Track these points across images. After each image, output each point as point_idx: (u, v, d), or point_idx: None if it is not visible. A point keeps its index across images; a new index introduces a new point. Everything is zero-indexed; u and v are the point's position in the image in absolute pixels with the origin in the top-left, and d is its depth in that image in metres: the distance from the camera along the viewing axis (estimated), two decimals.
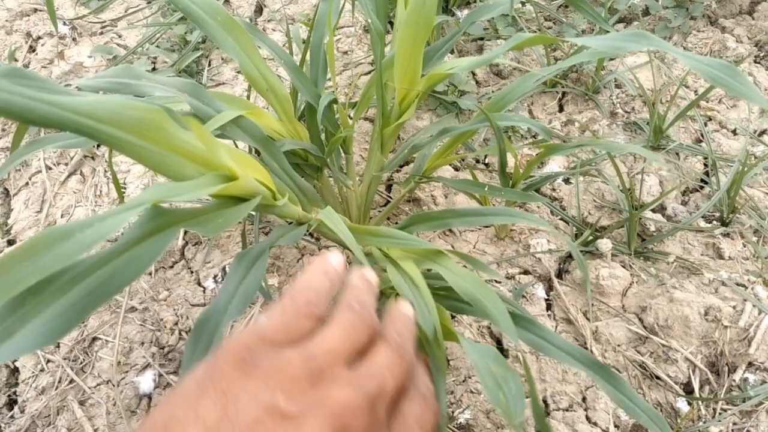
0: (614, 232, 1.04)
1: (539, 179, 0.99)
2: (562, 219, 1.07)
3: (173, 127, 0.59)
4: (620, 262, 1.01)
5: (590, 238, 1.02)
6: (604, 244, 1.00)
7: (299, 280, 0.44)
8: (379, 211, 1.11)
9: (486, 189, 0.89)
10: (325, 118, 0.93)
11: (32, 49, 1.42)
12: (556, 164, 1.14)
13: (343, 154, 0.99)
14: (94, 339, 0.98)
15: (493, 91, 1.26)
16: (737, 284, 0.93)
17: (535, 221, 0.72)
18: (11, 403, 0.93)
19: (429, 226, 0.76)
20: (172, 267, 1.07)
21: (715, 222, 1.05)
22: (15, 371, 0.96)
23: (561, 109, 1.25)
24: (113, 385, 0.93)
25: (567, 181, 1.13)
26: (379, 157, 0.90)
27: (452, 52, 1.32)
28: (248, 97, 1.08)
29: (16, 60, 1.38)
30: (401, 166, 1.17)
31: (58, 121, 0.49)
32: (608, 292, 0.96)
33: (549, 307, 0.98)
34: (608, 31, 1.18)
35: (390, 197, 1.13)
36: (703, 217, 1.05)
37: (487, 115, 0.79)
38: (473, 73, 1.29)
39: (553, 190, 1.12)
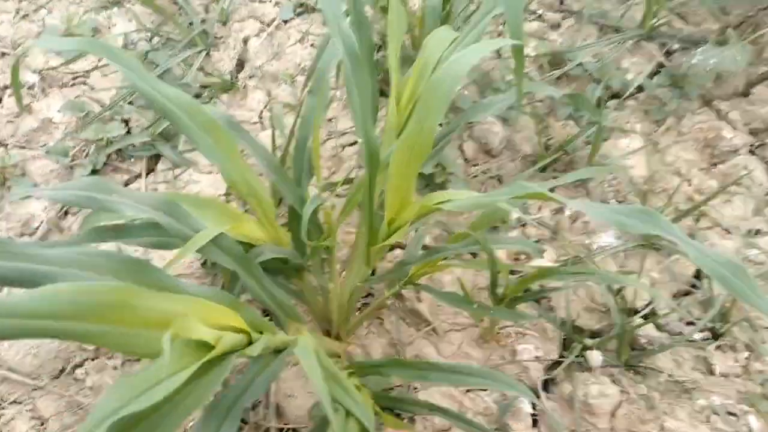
0: (607, 343, 1.00)
1: (531, 293, 0.95)
2: (550, 321, 1.02)
3: (142, 298, 0.54)
4: (610, 375, 0.97)
5: (580, 347, 0.98)
6: (595, 358, 0.96)
7: None
8: (363, 307, 1.06)
9: (475, 307, 0.84)
10: (309, 222, 0.88)
11: None
12: (545, 257, 1.10)
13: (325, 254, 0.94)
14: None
15: (483, 171, 1.21)
16: (729, 413, 0.90)
17: (509, 386, 0.68)
18: None
19: (404, 374, 0.71)
20: None
21: (706, 332, 1.01)
22: None
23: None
24: None
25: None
26: (363, 269, 0.85)
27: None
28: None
29: None
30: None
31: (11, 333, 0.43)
32: (597, 411, 0.92)
33: (535, 423, 0.94)
34: (599, 123, 1.15)
35: (372, 292, 1.08)
36: (689, 323, 1.02)
37: (480, 241, 0.75)
38: (462, 150, 1.25)
39: (541, 287, 1.08)
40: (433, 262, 0.89)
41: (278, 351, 0.76)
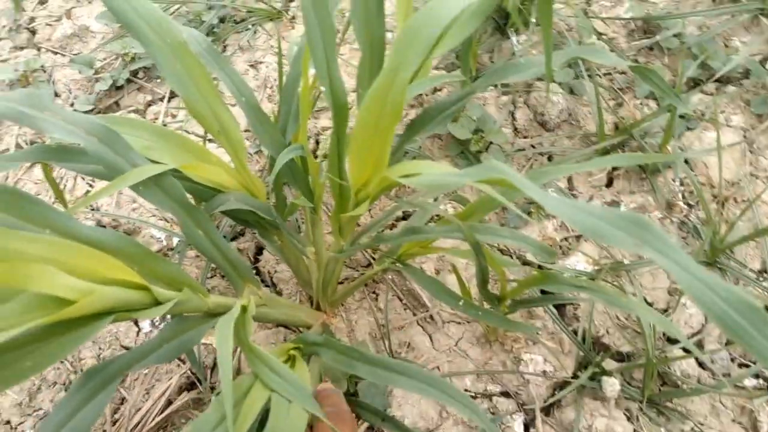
0: (630, 370, 0.84)
1: (545, 297, 0.79)
2: (567, 335, 0.86)
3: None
4: (626, 410, 0.80)
5: (596, 369, 0.81)
6: (611, 386, 0.79)
7: None
8: (358, 274, 0.93)
9: (461, 304, 0.70)
10: (290, 175, 0.76)
11: (42, 2, 1.29)
12: (581, 256, 0.93)
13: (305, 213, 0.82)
14: None
15: (533, 146, 1.04)
16: None
17: (481, 422, 0.53)
18: None
19: (364, 370, 0.57)
20: None
21: (761, 381, 0.82)
22: None
23: (610, 183, 1.03)
24: (10, 427, 0.81)
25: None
26: (336, 239, 0.72)
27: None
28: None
29: (23, 10, 1.26)
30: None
31: None
32: None
33: None
34: (675, 108, 0.95)
35: (374, 258, 0.95)
36: (742, 365, 0.83)
37: (462, 227, 0.60)
38: (513, 117, 1.08)
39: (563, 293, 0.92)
40: (423, 243, 0.75)
41: (213, 315, 0.66)
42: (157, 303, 0.56)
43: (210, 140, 1.04)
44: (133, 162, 0.63)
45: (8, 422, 0.81)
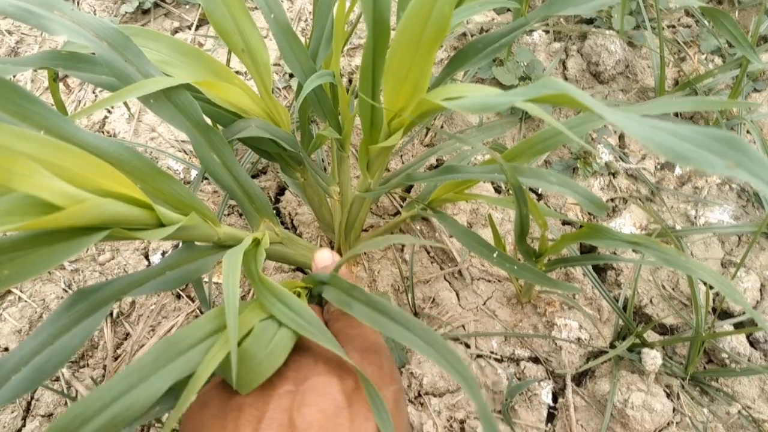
0: (673, 344, 0.77)
1: (586, 257, 0.72)
2: (609, 300, 0.79)
3: None
4: (666, 386, 0.73)
5: (636, 341, 0.75)
6: (652, 359, 0.72)
7: None
8: (384, 222, 0.87)
9: (495, 256, 0.63)
10: (317, 105, 0.69)
11: None
12: (628, 219, 0.86)
13: (333, 150, 0.75)
14: (8, 291, 0.83)
15: None
16: None
17: (472, 395, 0.46)
18: None
19: (368, 316, 0.51)
20: None
21: None
22: None
23: None
24: None
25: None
26: (364, 177, 0.65)
27: (548, 32, 1.02)
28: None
29: None
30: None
31: None
32: (633, 426, 0.70)
33: (551, 418, 0.73)
34: (747, 61, 0.85)
35: (401, 207, 0.88)
36: None
37: (505, 167, 0.53)
38: (564, 66, 0.99)
39: (613, 252, 0.84)
40: (458, 188, 0.68)
41: (223, 247, 0.60)
42: (161, 225, 0.51)
43: (237, 73, 0.97)
44: (146, 72, 0.57)
45: (6, 349, 0.78)
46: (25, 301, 0.81)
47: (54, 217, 0.40)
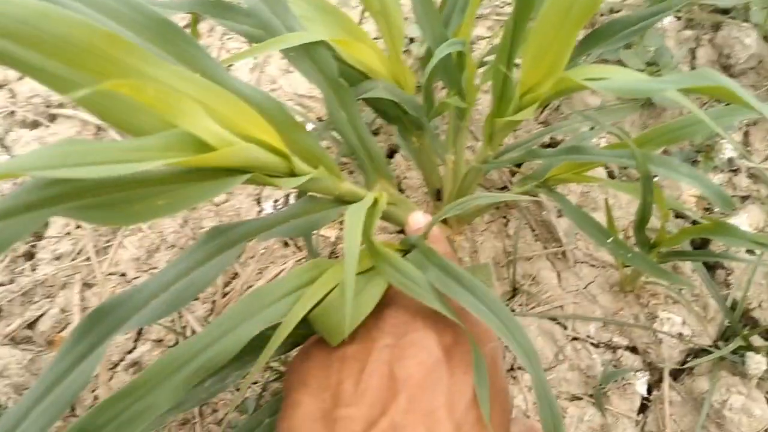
0: None
1: (700, 253, 0.70)
2: (717, 300, 0.77)
3: (146, 62, 0.41)
4: (767, 393, 0.71)
5: (741, 343, 0.73)
6: (756, 363, 0.71)
7: None
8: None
9: (609, 241, 0.63)
10: (443, 72, 0.70)
11: None
12: (745, 219, 0.83)
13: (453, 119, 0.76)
14: None
15: None
16: None
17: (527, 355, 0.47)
18: (29, 255, 0.87)
19: (449, 287, 0.50)
20: None
21: None
22: (47, 225, 0.89)
23: None
24: (125, 280, 0.83)
25: (750, 249, 0.82)
26: (484, 148, 0.66)
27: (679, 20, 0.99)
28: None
29: None
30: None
31: None
32: (729, 428, 0.69)
33: (643, 409, 0.73)
34: None
35: (511, 183, 0.88)
36: None
37: (636, 153, 0.53)
38: (693, 55, 0.96)
39: (718, 253, 0.82)
40: (576, 169, 0.68)
41: (342, 202, 0.62)
42: (293, 175, 0.53)
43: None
44: (290, 26, 0.59)
45: (123, 274, 0.83)
46: (144, 232, 0.86)
47: (208, 156, 0.43)
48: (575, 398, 0.73)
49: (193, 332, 0.77)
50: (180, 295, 0.47)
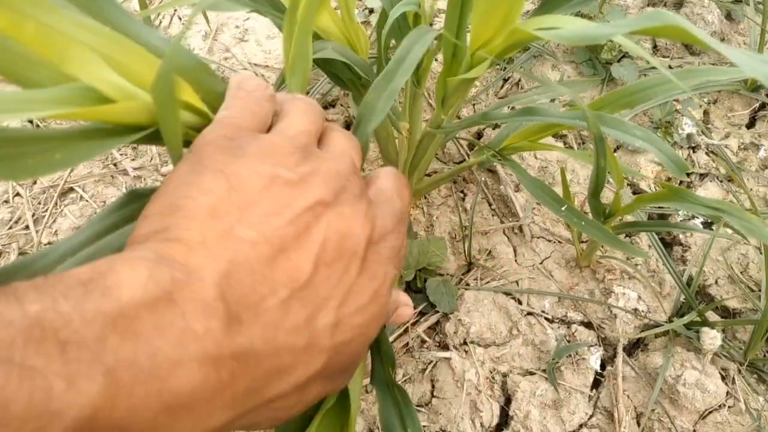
0: (733, 328, 0.74)
1: (655, 223, 0.69)
2: (673, 276, 0.76)
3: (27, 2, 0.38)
4: (722, 369, 0.70)
5: (696, 318, 0.72)
6: (711, 338, 0.70)
7: (233, 78, 0.40)
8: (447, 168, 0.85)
9: (564, 209, 0.61)
10: (398, 34, 0.68)
11: None
12: (708, 191, 0.82)
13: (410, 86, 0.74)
14: (70, 189, 0.84)
15: (670, 67, 0.92)
16: None
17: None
18: None
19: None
20: None
21: None
22: None
23: (752, 123, 0.90)
24: None
25: (708, 224, 0.81)
26: (437, 112, 0.64)
27: None
28: None
29: None
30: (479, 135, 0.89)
31: None
32: (683, 404, 0.68)
33: (596, 385, 0.71)
34: None
35: (468, 155, 0.86)
36: None
37: (588, 113, 0.51)
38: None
39: (683, 231, 0.81)
40: (532, 136, 0.66)
41: None
42: None
43: None
44: None
45: None
46: (86, 201, 0.82)
47: (104, 108, 0.39)
48: (528, 373, 0.71)
49: None
50: (90, 260, 0.44)
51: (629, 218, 0.76)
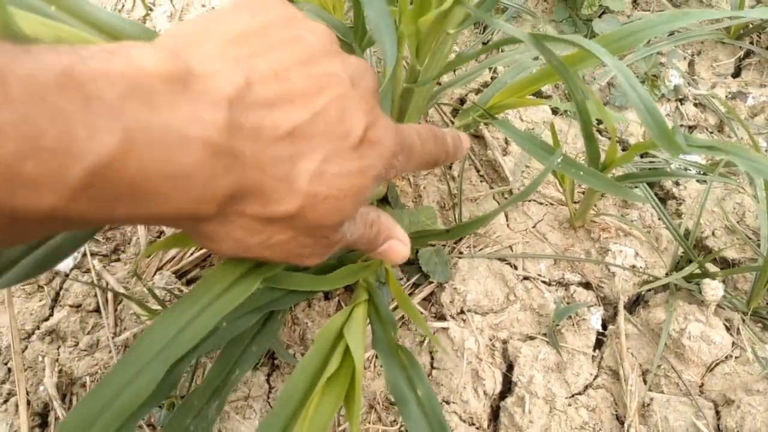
0: (736, 276, 0.72)
1: (649, 173, 0.67)
2: (670, 229, 0.74)
3: None
4: (725, 320, 0.69)
5: (696, 270, 0.70)
6: (713, 289, 0.68)
7: None
8: None
9: (559, 163, 0.59)
10: None
11: None
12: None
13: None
14: None
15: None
16: None
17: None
18: None
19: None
20: None
21: None
22: None
23: (737, 73, 0.88)
24: None
25: (702, 182, 0.79)
26: (412, 63, 0.61)
27: None
28: None
29: None
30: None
31: None
32: (690, 357, 0.66)
33: (599, 345, 0.69)
34: None
35: (452, 122, 0.84)
36: None
37: (558, 67, 0.49)
38: None
39: (677, 184, 0.79)
40: (519, 92, 0.64)
41: None
42: None
43: None
44: None
45: None
46: None
47: None
48: (529, 338, 0.69)
49: (115, 296, 0.70)
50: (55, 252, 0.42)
51: (622, 174, 0.74)
